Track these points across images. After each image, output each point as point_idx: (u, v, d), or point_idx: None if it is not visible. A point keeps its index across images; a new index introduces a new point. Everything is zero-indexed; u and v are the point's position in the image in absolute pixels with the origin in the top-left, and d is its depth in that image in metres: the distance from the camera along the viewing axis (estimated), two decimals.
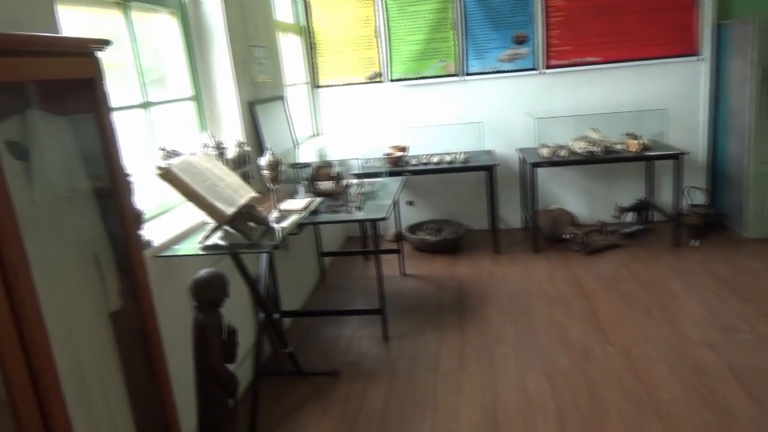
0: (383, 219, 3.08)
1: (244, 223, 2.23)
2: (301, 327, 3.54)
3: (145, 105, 2.47)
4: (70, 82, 1.62)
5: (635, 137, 4.43)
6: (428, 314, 3.60)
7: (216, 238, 2.26)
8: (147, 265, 2.12)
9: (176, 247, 2.28)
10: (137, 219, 2.10)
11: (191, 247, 2.25)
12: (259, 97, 3.41)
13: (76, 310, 1.61)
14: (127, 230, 1.68)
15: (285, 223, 2.47)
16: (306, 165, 3.41)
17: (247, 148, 2.90)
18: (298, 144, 3.98)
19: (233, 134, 3.07)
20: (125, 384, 1.80)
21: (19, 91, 1.54)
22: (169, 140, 2.63)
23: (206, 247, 2.22)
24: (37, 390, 1.29)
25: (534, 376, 2.80)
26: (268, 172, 2.46)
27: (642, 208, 4.77)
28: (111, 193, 1.66)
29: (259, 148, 3.29)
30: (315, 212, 3.11)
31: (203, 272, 1.94)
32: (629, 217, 4.83)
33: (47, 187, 1.54)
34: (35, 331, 1.29)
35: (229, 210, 2.13)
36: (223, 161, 2.60)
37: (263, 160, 2.46)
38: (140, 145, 2.50)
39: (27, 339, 1.27)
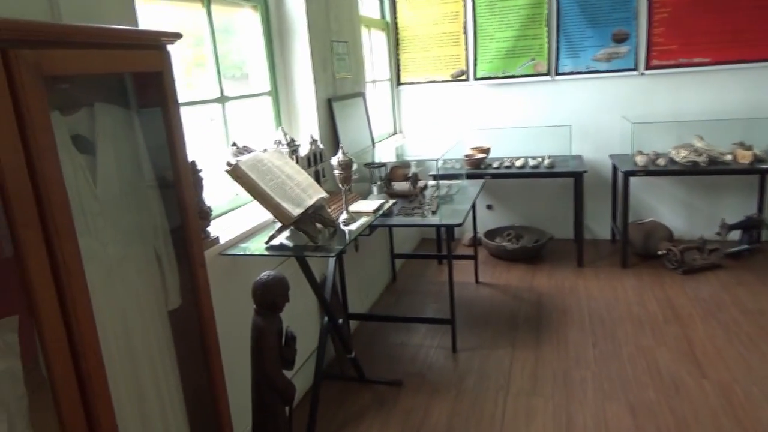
0: (458, 225, 2.92)
1: (311, 225, 2.15)
2: (368, 331, 3.45)
3: (222, 99, 2.46)
4: (140, 75, 1.60)
5: (746, 147, 3.98)
6: (501, 327, 3.40)
7: (282, 239, 2.21)
8: (210, 263, 2.10)
9: (243, 245, 2.24)
10: (205, 215, 2.07)
11: (257, 246, 2.21)
12: (338, 93, 3.35)
13: (135, 308, 1.59)
14: (190, 228, 1.63)
15: (354, 226, 2.38)
16: (381, 165, 3.31)
17: (321, 146, 2.83)
18: (375, 142, 3.89)
19: (308, 131, 3.02)
20: (180, 384, 1.77)
21: (89, 83, 1.54)
22: (243, 136, 2.61)
23: (271, 248, 2.16)
24: (85, 394, 1.26)
25: (615, 407, 2.55)
26: (340, 171, 2.37)
27: (751, 226, 4.28)
28: (175, 188, 1.62)
29: (335, 146, 3.23)
30: (387, 214, 3.01)
31: (264, 275, 1.88)
32: (735, 235, 4.36)
33: (111, 181, 1.52)
34: (86, 334, 1.25)
35: (295, 211, 2.06)
36: (295, 159, 2.54)
37: (335, 160, 2.37)
38: (215, 141, 2.49)
39: (77, 341, 1.24)
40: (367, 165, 3.29)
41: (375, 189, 3.23)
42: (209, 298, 1.71)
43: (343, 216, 2.42)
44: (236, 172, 2.01)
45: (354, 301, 3.44)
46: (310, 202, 2.18)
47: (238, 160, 2.07)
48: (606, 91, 4.56)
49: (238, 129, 2.61)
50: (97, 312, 1.46)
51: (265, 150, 2.33)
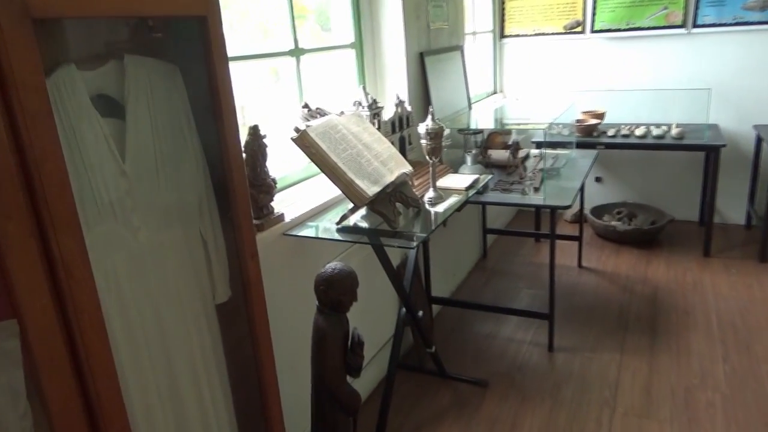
0: (565, 208, 2.46)
1: (390, 206, 1.81)
2: (452, 316, 3.10)
3: (296, 52, 2.13)
4: (179, 19, 1.29)
5: None
6: (607, 324, 2.93)
7: (357, 218, 1.88)
8: (273, 243, 1.82)
9: (312, 223, 1.95)
10: (268, 189, 1.79)
11: (327, 226, 1.90)
12: (432, 46, 2.92)
13: (173, 303, 1.33)
14: (238, 210, 1.34)
15: (441, 207, 2.01)
16: (478, 131, 2.88)
17: (408, 108, 2.45)
18: (471, 103, 3.44)
19: (395, 91, 2.64)
20: (231, 394, 1.53)
21: (118, 30, 1.25)
22: (319, 96, 2.29)
23: (342, 230, 1.85)
24: (94, 421, 1.03)
25: None
26: (428, 142, 1.99)
27: None
28: (221, 163, 1.33)
29: (425, 109, 2.83)
30: (483, 188, 2.61)
31: (329, 267, 1.57)
32: None
33: (144, 152, 1.24)
34: (94, 348, 1.00)
35: (371, 190, 1.72)
36: (376, 124, 2.19)
37: (423, 127, 1.99)
38: (287, 101, 2.18)
39: (83, 359, 0.99)
40: (461, 131, 2.88)
41: (469, 158, 2.82)
42: (261, 294, 1.43)
43: (430, 194, 2.06)
44: (303, 141, 1.69)
45: (438, 282, 3.09)
46: (390, 178, 1.83)
47: (307, 126, 1.75)
48: (758, 49, 3.77)
49: (315, 87, 2.28)
50: (124, 311, 1.23)
51: (342, 113, 1.99)
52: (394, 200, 1.86)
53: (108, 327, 1.18)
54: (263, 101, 2.17)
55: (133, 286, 1.23)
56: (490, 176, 2.43)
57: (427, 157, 2.03)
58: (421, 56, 2.79)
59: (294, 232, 1.85)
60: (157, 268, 1.29)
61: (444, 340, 2.87)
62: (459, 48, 3.30)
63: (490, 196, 2.63)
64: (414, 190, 2.11)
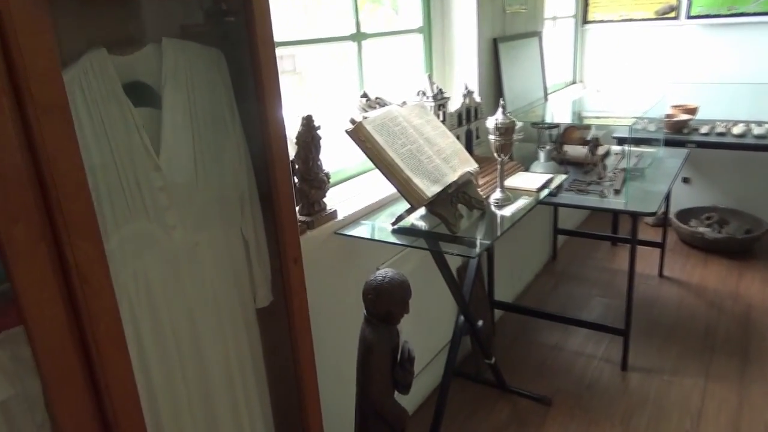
0: (650, 215, 2.20)
1: (450, 207, 1.64)
2: (515, 322, 2.90)
3: (357, 37, 1.99)
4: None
5: None
6: (691, 344, 2.64)
7: (414, 219, 1.74)
8: (324, 242, 1.70)
9: (366, 222, 1.82)
10: (320, 184, 1.67)
11: (382, 226, 1.76)
12: (507, 32, 2.70)
13: (210, 307, 1.24)
14: (281, 209, 1.22)
15: (508, 210, 1.82)
16: (553, 126, 2.64)
17: (477, 99, 2.26)
18: (548, 94, 3.19)
19: (465, 79, 2.45)
20: (268, 401, 1.43)
21: (156, 10, 1.15)
22: (381, 84, 2.14)
23: (398, 232, 1.70)
24: None
25: None
26: (497, 138, 1.80)
27: None
28: (264, 158, 1.21)
29: (496, 99, 2.62)
30: (557, 187, 2.39)
31: (380, 274, 1.43)
32: None
33: (181, 145, 1.15)
34: (113, 361, 0.91)
35: (430, 190, 1.56)
36: (441, 115, 2.02)
37: (491, 121, 1.81)
38: (346, 89, 2.05)
39: (100, 373, 0.90)
40: (534, 125, 2.65)
41: (542, 154, 2.59)
42: (304, 302, 1.31)
43: (497, 194, 1.87)
44: (359, 134, 1.55)
45: (502, 284, 2.90)
46: (453, 177, 1.66)
47: (364, 117, 1.61)
48: None
49: (378, 75, 2.14)
50: (155, 315, 1.14)
51: (404, 103, 1.84)
52: (455, 201, 1.70)
53: (136, 333, 1.11)
54: (322, 89, 2.06)
55: (165, 289, 1.14)
56: (564, 176, 2.21)
57: (496, 155, 1.84)
58: (495, 42, 2.58)
59: (346, 231, 1.72)
60: (193, 270, 1.20)
61: (505, 349, 2.68)
62: (537, 34, 3.05)
63: (564, 198, 2.40)
64: (479, 189, 1.93)
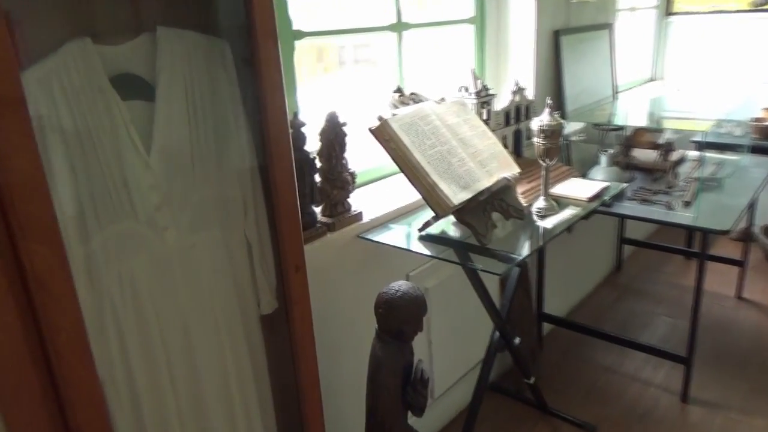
0: (721, 233, 1.95)
1: (481, 216, 1.50)
2: (567, 337, 2.70)
3: (398, 27, 1.87)
4: None
5: None
6: (766, 379, 2.35)
7: (446, 225, 1.61)
8: (345, 246, 1.59)
9: (394, 225, 1.70)
10: (343, 184, 1.57)
11: (411, 232, 1.64)
12: (572, 24, 2.49)
13: (208, 313, 1.17)
14: (280, 212, 1.14)
15: (551, 222, 1.65)
16: (617, 127, 2.41)
17: (529, 98, 2.08)
18: (618, 92, 2.93)
19: (521, 74, 2.27)
20: (273, 417, 1.35)
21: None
22: (423, 79, 2.01)
23: (425, 239, 1.58)
24: None
25: None
26: (541, 141, 1.63)
27: None
28: (264, 157, 1.12)
29: (556, 97, 2.43)
30: (616, 196, 2.18)
31: (393, 287, 1.32)
32: None
33: (175, 142, 1.08)
34: (75, 374, 0.85)
35: (457, 197, 1.42)
36: (485, 113, 1.86)
37: (536, 123, 1.64)
38: (381, 83, 1.93)
39: (62, 387, 0.85)
40: (597, 126, 2.43)
41: (604, 159, 2.36)
42: (306, 312, 1.23)
43: (540, 203, 1.70)
44: (382, 133, 1.44)
45: (554, 295, 2.71)
46: (486, 182, 1.52)
47: (394, 114, 1.50)
48: None
49: (420, 69, 2.01)
50: (143, 323, 1.09)
51: (442, 100, 1.70)
52: (490, 209, 1.55)
53: (120, 340, 1.05)
54: (357, 81, 1.95)
55: (155, 292, 1.08)
56: (624, 185, 2.00)
57: (540, 160, 1.67)
58: (556, 35, 2.38)
59: (369, 236, 1.61)
60: (188, 274, 1.13)
61: (552, 367, 2.49)
62: (607, 26, 2.80)
63: (624, 207, 2.17)
64: (521, 196, 1.77)
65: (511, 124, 1.98)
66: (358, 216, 1.64)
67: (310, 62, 1.85)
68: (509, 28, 2.27)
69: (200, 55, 1.09)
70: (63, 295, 0.83)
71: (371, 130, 1.45)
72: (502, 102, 1.99)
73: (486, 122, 1.86)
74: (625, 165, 2.56)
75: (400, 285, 1.31)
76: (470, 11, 2.17)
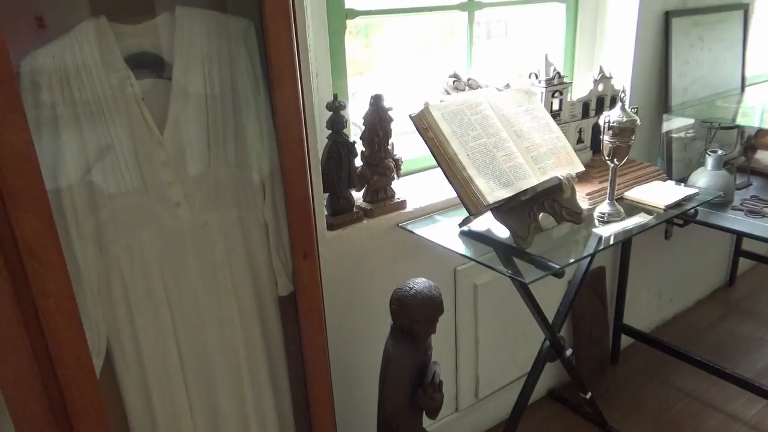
0: None
1: (526, 217, 1.38)
2: (649, 352, 2.44)
3: (468, 6, 1.75)
4: None
5: None
6: None
7: (491, 222, 1.50)
8: (385, 234, 1.54)
9: (440, 217, 1.63)
10: (384, 170, 1.53)
11: (447, 226, 1.55)
12: (689, 4, 2.18)
13: (221, 290, 1.20)
14: (291, 197, 1.12)
15: (609, 230, 1.48)
16: (730, 127, 2.09)
17: (621, 89, 1.86)
18: (747, 85, 2.54)
19: (617, 61, 2.05)
20: (290, 404, 1.36)
21: None
22: (496, 63, 1.87)
23: (466, 235, 1.49)
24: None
25: None
26: (610, 139, 1.46)
27: None
28: (277, 141, 1.11)
29: (660, 87, 2.16)
30: (720, 204, 1.93)
31: (410, 283, 1.26)
32: None
33: (191, 120, 1.10)
34: (65, 337, 0.91)
35: (494, 194, 1.32)
36: (557, 104, 1.70)
37: (604, 118, 1.46)
38: (447, 66, 1.83)
39: (53, 348, 0.91)
40: (705, 123, 2.13)
41: (711, 160, 2.07)
42: (315, 299, 1.21)
43: (604, 207, 1.54)
44: (422, 120, 1.36)
45: (643, 305, 2.48)
46: (534, 180, 1.39)
47: (441, 101, 1.41)
48: None
49: (497, 52, 1.88)
50: (153, 291, 1.14)
51: (506, 87, 1.58)
52: (538, 210, 1.43)
53: (128, 308, 1.10)
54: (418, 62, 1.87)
55: (165, 265, 1.13)
56: (716, 195, 1.74)
57: (607, 159, 1.50)
58: (667, 17, 2.10)
59: (408, 225, 1.56)
60: (201, 250, 1.16)
61: (625, 382, 2.28)
62: (741, 7, 2.42)
63: (727, 218, 1.90)
64: (587, 197, 1.61)
65: (590, 116, 1.79)
66: (402, 204, 1.58)
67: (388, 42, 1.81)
68: (607, 7, 2.04)
69: (222, 35, 1.10)
70: (51, 262, 0.88)
71: (411, 117, 1.38)
72: (580, 92, 1.80)
73: (557, 113, 1.70)
74: (738, 168, 2.24)
75: (417, 283, 1.25)
76: None
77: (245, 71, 1.13)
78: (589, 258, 1.58)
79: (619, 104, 1.46)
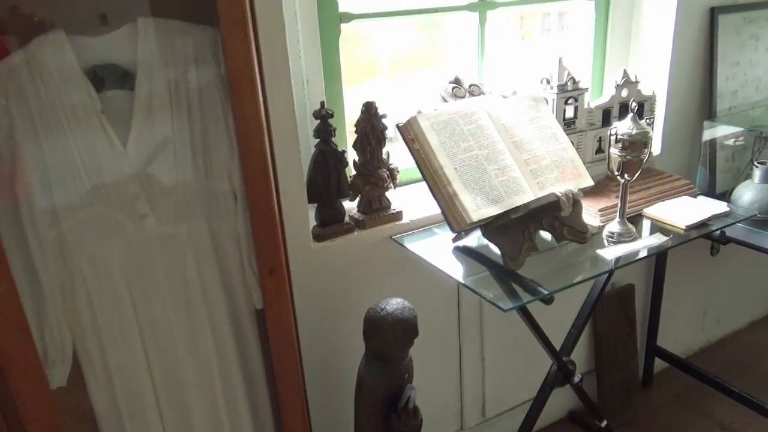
0: None
1: (519, 235, 1.29)
2: (685, 378, 2.24)
3: (479, 6, 1.65)
4: None
5: None
6: None
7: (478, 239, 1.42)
8: (378, 245, 1.47)
9: (439, 230, 1.55)
10: (378, 180, 1.47)
11: (445, 240, 1.48)
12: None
13: (192, 303, 1.19)
14: (254, 211, 1.09)
15: (616, 252, 1.35)
16: None
17: (646, 93, 1.71)
18: None
19: (654, 64, 1.89)
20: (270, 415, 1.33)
21: None
22: (510, 67, 1.77)
23: (459, 250, 1.41)
24: None
25: None
26: (619, 152, 1.33)
27: None
28: (239, 151, 1.08)
29: (703, 92, 1.97)
30: (765, 222, 1.76)
31: (382, 304, 1.20)
32: None
33: (156, 132, 1.08)
34: (11, 346, 0.93)
35: (480, 212, 1.23)
36: (569, 111, 1.58)
37: (614, 129, 1.33)
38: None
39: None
40: (753, 131, 1.93)
41: (759, 173, 1.87)
42: (285, 316, 1.17)
43: (614, 226, 1.41)
44: (408, 131, 1.29)
45: (683, 326, 2.30)
46: (529, 196, 1.29)
47: (435, 110, 1.34)
48: None
49: (510, 55, 1.77)
50: (119, 302, 1.13)
51: (514, 93, 1.48)
52: (535, 228, 1.33)
53: (93, 319, 1.11)
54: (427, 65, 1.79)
55: (131, 276, 1.13)
56: (751, 215, 1.57)
57: (617, 174, 1.37)
58: (712, 13, 1.91)
59: (403, 238, 1.49)
60: (170, 263, 1.15)
61: (655, 409, 2.12)
62: None
63: (757, 239, 1.71)
64: (598, 213, 1.49)
65: (611, 124, 1.65)
66: (397, 215, 1.52)
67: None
68: (643, 4, 1.88)
69: (189, 44, 1.08)
70: None
71: (398, 127, 1.31)
72: (598, 98, 1.67)
73: (571, 121, 1.58)
74: None
75: (390, 303, 1.19)
76: None
77: (215, 82, 1.10)
78: (587, 281, 1.45)
79: (630, 115, 1.33)
